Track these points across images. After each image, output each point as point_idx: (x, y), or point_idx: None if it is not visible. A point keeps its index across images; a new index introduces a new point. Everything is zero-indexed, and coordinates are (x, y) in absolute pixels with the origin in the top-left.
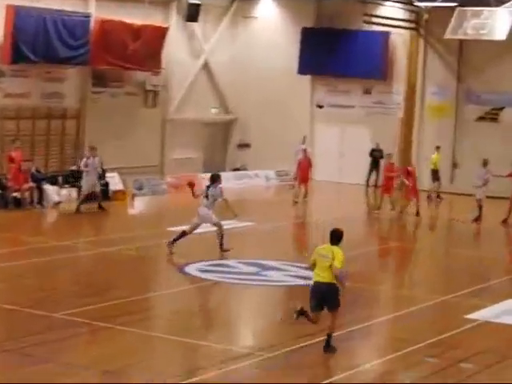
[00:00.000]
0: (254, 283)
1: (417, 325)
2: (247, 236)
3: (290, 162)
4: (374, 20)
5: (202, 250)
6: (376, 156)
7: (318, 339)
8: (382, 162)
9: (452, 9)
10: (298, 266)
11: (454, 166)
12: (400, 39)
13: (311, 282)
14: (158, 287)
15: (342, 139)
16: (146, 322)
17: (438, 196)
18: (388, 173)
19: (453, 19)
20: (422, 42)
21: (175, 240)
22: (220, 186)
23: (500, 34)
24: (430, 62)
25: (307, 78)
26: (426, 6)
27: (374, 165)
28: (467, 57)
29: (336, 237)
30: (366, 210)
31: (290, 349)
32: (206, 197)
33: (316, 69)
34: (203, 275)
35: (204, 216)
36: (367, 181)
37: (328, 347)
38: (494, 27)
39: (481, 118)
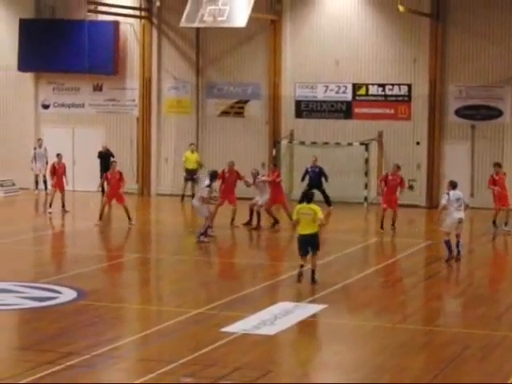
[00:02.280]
0: None
1: (170, 342)
2: None
3: (16, 170)
4: (100, 8)
5: None
6: (105, 159)
7: (57, 367)
8: None
9: None
10: (32, 287)
11: (199, 166)
12: (131, 29)
13: (297, 235)
14: None
15: (72, 142)
16: None
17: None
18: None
19: (188, 6)
20: (155, 31)
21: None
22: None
23: (240, 21)
24: (165, 53)
25: (30, 75)
26: None
27: (105, 169)
28: (206, 47)
29: (310, 197)
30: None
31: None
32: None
33: (39, 65)
34: None
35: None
36: (102, 186)
37: (314, 280)
38: (233, 13)
39: (225, 113)
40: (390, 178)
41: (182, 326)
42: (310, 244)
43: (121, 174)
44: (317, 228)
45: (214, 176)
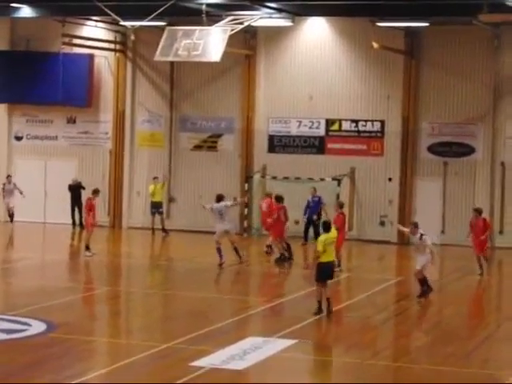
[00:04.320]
0: None
1: (138, 376)
2: None
3: None
4: (75, 41)
5: None
6: (75, 191)
7: None
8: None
9: (162, 29)
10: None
11: (171, 199)
12: (105, 62)
13: (321, 263)
14: None
15: (45, 174)
16: None
17: (165, 230)
18: None
19: (162, 39)
20: (129, 64)
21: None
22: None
23: (214, 56)
24: (139, 87)
25: (3, 106)
26: (133, 26)
27: (75, 201)
28: (180, 81)
29: (329, 225)
30: (71, 252)
31: None
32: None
33: (13, 96)
34: None
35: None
36: (72, 219)
37: (331, 311)
38: (208, 48)
39: (198, 147)
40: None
41: (150, 360)
42: (331, 271)
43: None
44: None
45: (220, 197)
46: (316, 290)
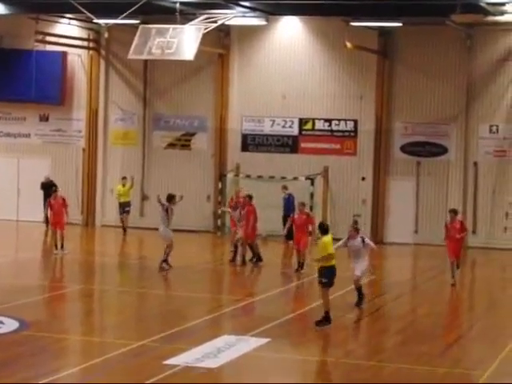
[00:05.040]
0: None
1: (112, 375)
2: None
3: None
4: (48, 39)
5: None
6: (48, 190)
7: None
8: None
9: (135, 27)
10: None
11: (144, 198)
12: (79, 60)
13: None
14: None
15: (18, 172)
16: None
17: (124, 230)
18: None
19: (136, 37)
20: (103, 62)
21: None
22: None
23: (188, 54)
24: (113, 85)
25: None
26: (106, 24)
27: (48, 199)
28: (153, 79)
29: (327, 228)
30: (44, 250)
31: None
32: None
33: None
34: None
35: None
36: (45, 217)
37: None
38: (182, 46)
39: (171, 145)
40: (295, 216)
41: (124, 358)
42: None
43: (64, 199)
44: None
45: (170, 198)
46: (326, 296)
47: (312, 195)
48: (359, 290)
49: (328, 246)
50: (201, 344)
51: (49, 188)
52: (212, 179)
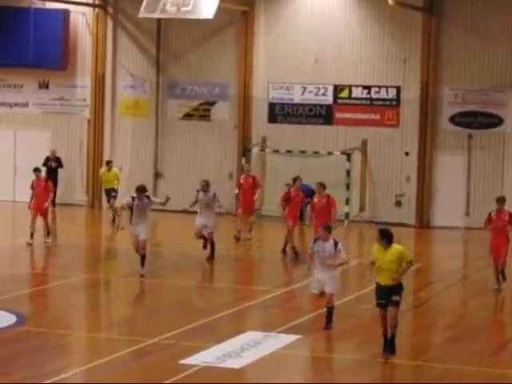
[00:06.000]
0: None
1: (120, 376)
2: None
3: None
4: None
5: None
6: (52, 166)
7: None
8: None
9: None
10: None
11: (158, 176)
12: (83, 19)
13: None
14: None
15: (14, 146)
16: None
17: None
18: None
19: None
20: (110, 22)
21: None
22: None
23: (207, 12)
24: (121, 47)
25: None
26: None
27: (51, 176)
28: (168, 41)
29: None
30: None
31: None
32: None
33: None
34: None
35: None
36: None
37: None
38: (200, 3)
39: (188, 116)
40: (315, 200)
41: (134, 358)
42: None
43: (47, 181)
44: None
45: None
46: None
47: (348, 172)
48: (330, 310)
49: (406, 254)
50: (222, 341)
51: (54, 169)
52: (235, 154)
